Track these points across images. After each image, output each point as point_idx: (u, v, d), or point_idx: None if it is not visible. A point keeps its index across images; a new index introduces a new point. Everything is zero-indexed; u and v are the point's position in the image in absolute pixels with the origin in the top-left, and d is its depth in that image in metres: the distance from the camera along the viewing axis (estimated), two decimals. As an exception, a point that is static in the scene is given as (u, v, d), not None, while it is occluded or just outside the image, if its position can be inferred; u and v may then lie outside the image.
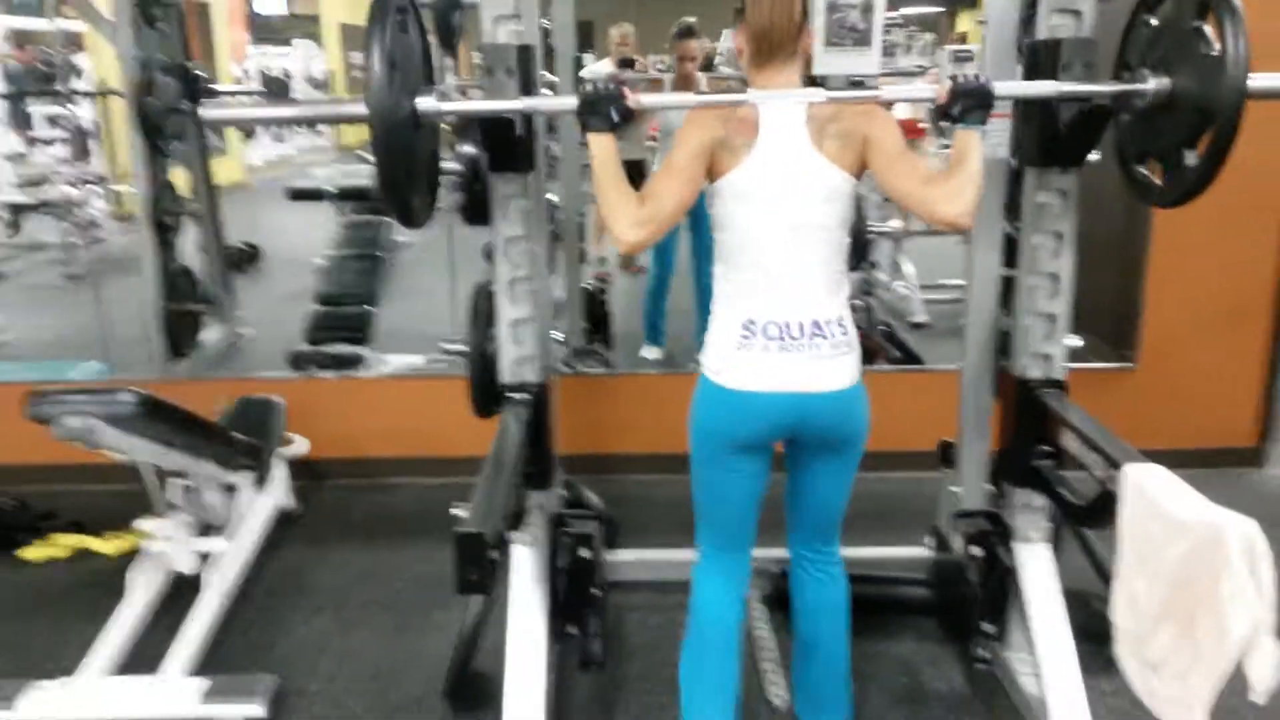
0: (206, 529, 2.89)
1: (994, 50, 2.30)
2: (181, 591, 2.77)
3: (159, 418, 2.43)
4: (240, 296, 5.05)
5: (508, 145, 2.04)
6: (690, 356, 4.82)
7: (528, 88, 2.05)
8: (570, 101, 1.79)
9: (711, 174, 1.81)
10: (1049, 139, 2.07)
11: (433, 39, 3.21)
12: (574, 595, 2.37)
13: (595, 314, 4.49)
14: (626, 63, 5.88)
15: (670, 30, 4.74)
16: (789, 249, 1.80)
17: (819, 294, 1.82)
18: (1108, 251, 3.70)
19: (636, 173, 5.64)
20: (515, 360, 2.24)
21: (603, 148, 1.77)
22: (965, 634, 2.44)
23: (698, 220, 4.48)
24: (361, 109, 1.74)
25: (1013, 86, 1.94)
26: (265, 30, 12.35)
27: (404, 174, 1.84)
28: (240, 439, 2.93)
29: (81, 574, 3.11)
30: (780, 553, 2.69)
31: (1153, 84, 1.86)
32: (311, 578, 3.06)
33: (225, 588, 2.79)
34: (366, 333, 4.32)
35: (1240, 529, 1.48)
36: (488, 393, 2.48)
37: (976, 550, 2.33)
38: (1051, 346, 2.20)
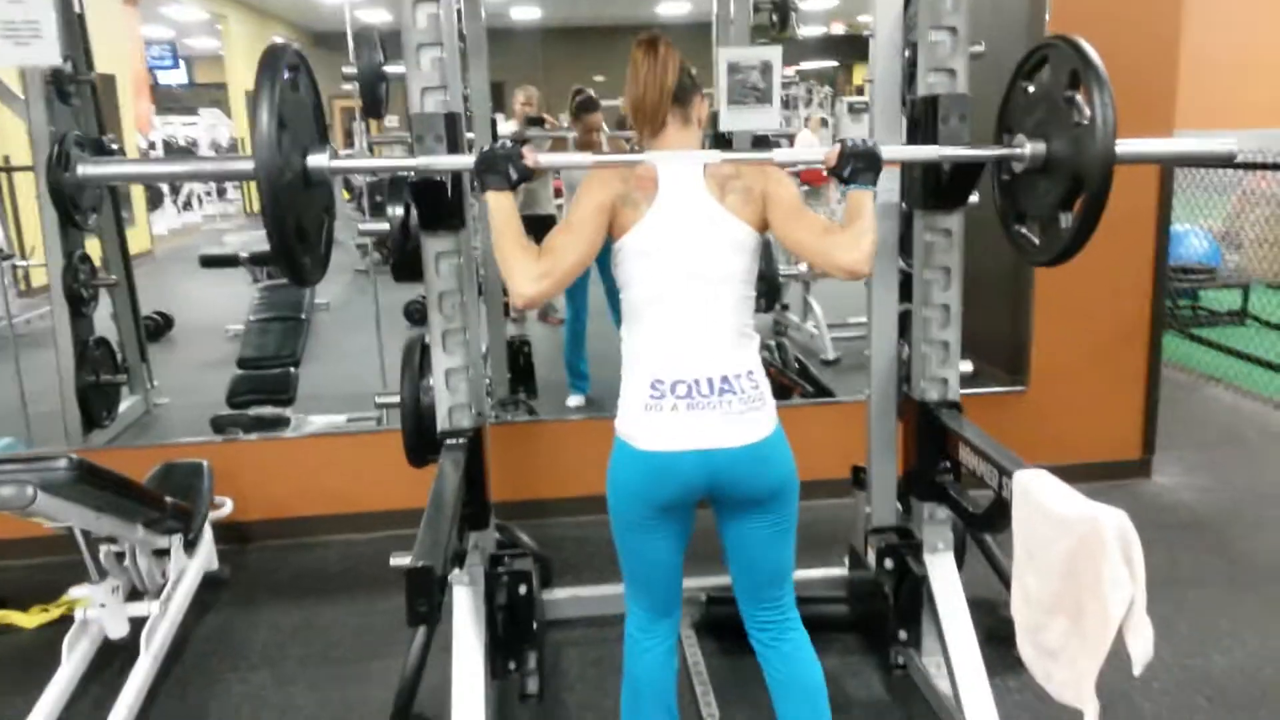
0: (135, 595, 2.89)
1: (882, 105, 2.51)
2: (108, 659, 2.77)
3: (93, 482, 2.45)
4: (154, 366, 5.02)
5: (439, 204, 2.15)
6: (611, 401, 4.99)
7: (455, 151, 2.17)
8: (467, 160, 1.86)
9: (614, 232, 1.82)
10: (932, 185, 2.28)
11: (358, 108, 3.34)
12: (513, 632, 2.46)
13: (518, 365, 4.61)
14: (535, 121, 6.09)
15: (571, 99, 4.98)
16: (695, 304, 1.80)
17: (727, 349, 1.82)
18: (998, 285, 3.99)
19: (545, 228, 5.86)
20: (451, 408, 2.34)
21: (501, 205, 1.79)
22: (883, 644, 2.60)
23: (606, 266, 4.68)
24: (249, 165, 1.74)
25: (899, 151, 2.07)
26: (170, 100, 12.26)
27: (294, 232, 1.83)
28: (171, 502, 2.94)
29: (2, 648, 3.06)
30: (709, 580, 2.83)
31: (1029, 149, 2.01)
32: (244, 637, 3.06)
33: (159, 651, 2.79)
34: (289, 394, 4.35)
35: (1114, 520, 1.66)
36: (422, 441, 2.56)
37: (889, 563, 2.50)
38: (946, 371, 2.40)
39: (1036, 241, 2.11)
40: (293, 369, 4.43)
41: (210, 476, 3.33)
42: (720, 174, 1.82)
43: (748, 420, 1.81)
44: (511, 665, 2.47)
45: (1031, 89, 2.08)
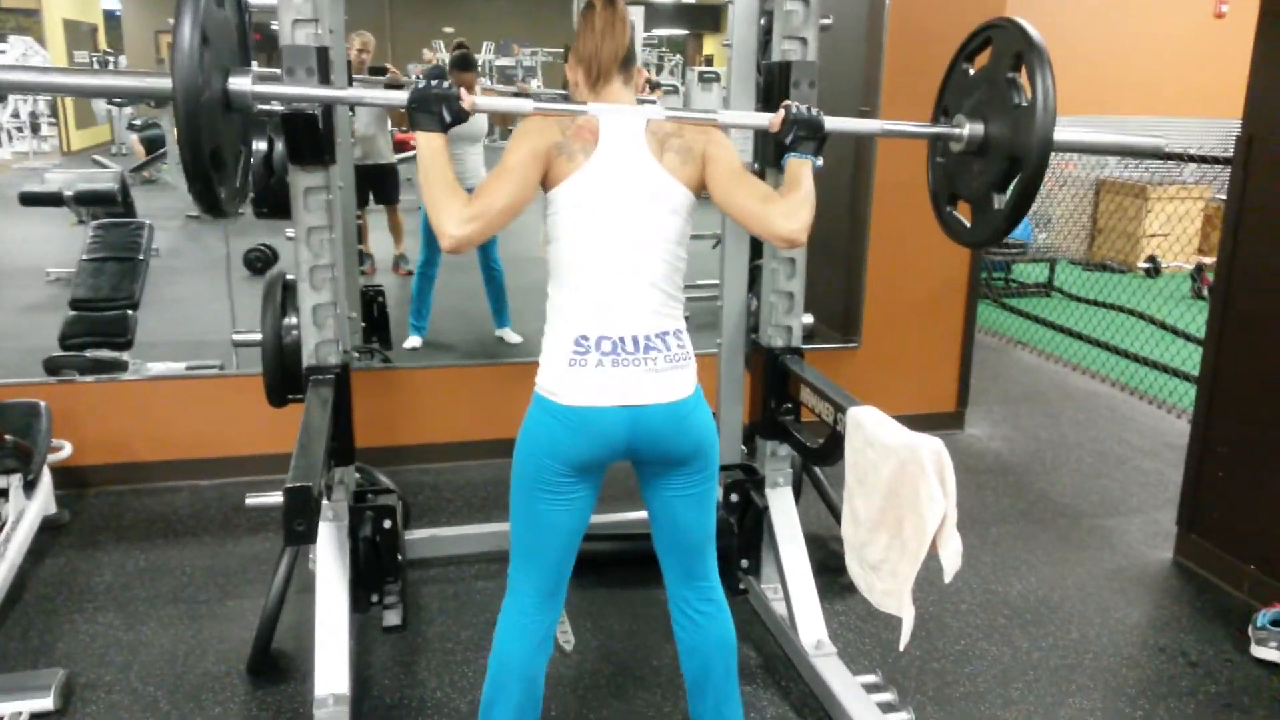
0: (-31, 536, 2.78)
1: (739, 70, 2.67)
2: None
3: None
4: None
5: (311, 137, 2.13)
6: (463, 350, 5.07)
7: (325, 85, 2.17)
8: (400, 96, 1.75)
9: (547, 182, 1.78)
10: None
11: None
12: (376, 566, 2.52)
13: (371, 315, 4.59)
14: (377, 71, 5.94)
15: (439, 46, 4.95)
16: (625, 262, 1.77)
17: (654, 307, 1.79)
18: (835, 253, 4.27)
19: (383, 178, 5.82)
20: (318, 344, 2.36)
21: (432, 147, 1.73)
22: (728, 572, 2.80)
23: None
24: (166, 83, 1.63)
25: (840, 122, 1.98)
26: (-30, 27, 11.26)
27: (210, 159, 1.73)
28: (9, 440, 2.83)
29: None
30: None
31: (968, 129, 2.02)
32: (88, 580, 2.99)
33: (-1, 590, 2.71)
34: (127, 336, 4.18)
35: (931, 446, 1.88)
36: (283, 380, 2.57)
37: (734, 497, 2.70)
38: (791, 320, 2.60)
39: (968, 224, 2.16)
40: (130, 311, 4.26)
41: (48, 417, 3.22)
42: (661, 131, 1.79)
43: (671, 378, 1.80)
44: (374, 598, 2.53)
45: (971, 70, 2.10)
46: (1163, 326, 5.83)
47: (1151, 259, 7.81)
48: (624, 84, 1.84)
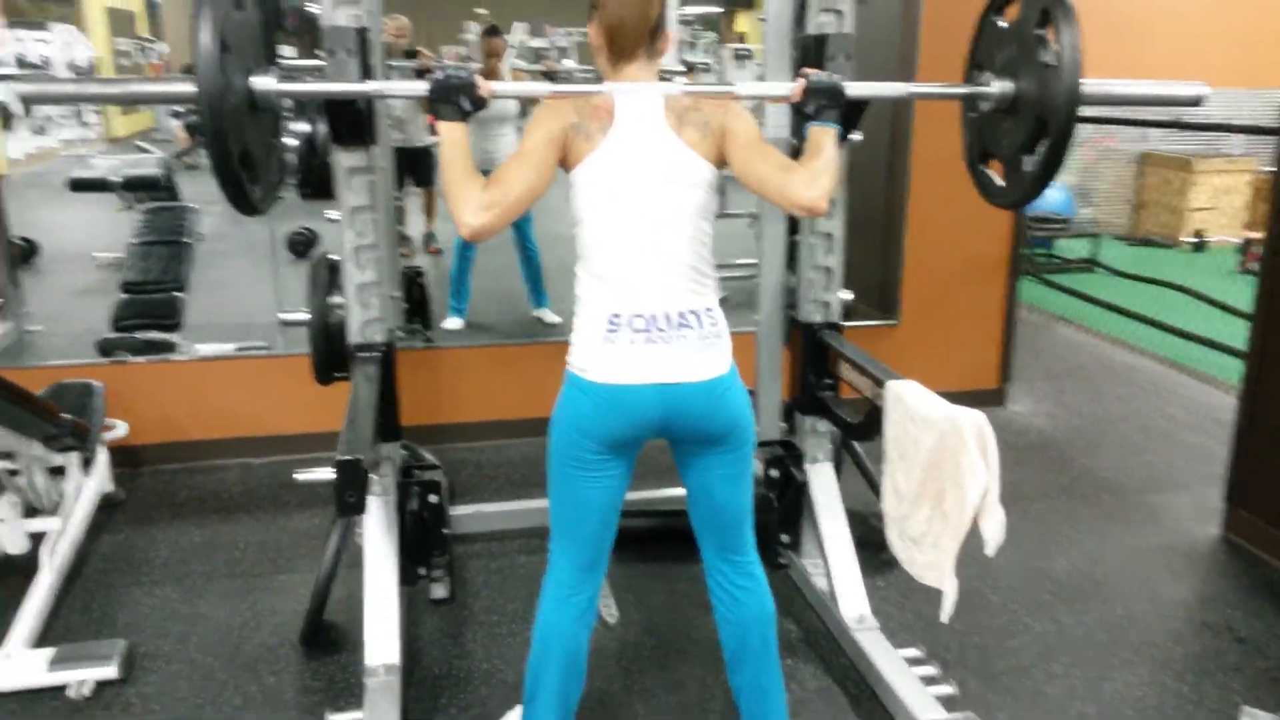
0: (33, 514, 2.87)
1: (773, 44, 2.67)
2: (4, 576, 2.79)
3: (-7, 393, 2.43)
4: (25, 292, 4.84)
5: (352, 120, 2.16)
6: (502, 330, 5.13)
7: (366, 68, 2.21)
8: (420, 87, 1.77)
9: (567, 163, 1.78)
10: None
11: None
12: (423, 539, 2.57)
13: (412, 295, 4.65)
14: (410, 54, 6.00)
15: (472, 29, 5.01)
16: (652, 237, 1.77)
17: (685, 284, 1.80)
18: (873, 229, 4.25)
19: (420, 161, 5.86)
20: (363, 323, 2.41)
21: (452, 136, 1.73)
22: (768, 548, 2.82)
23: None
24: (189, 88, 1.64)
25: (864, 87, 1.96)
26: (14, 14, 11.45)
27: (238, 159, 1.75)
28: (67, 419, 2.92)
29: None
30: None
31: (996, 87, 1.98)
32: (146, 554, 3.08)
33: (61, 564, 2.80)
34: (177, 319, 4.27)
35: (972, 418, 1.89)
36: (329, 359, 2.62)
37: (774, 472, 2.72)
38: (829, 295, 2.61)
39: (1000, 183, 2.13)
40: (179, 294, 4.35)
41: (103, 397, 3.31)
42: (679, 106, 1.79)
43: (705, 356, 1.80)
44: (421, 571, 2.58)
45: (1002, 24, 2.06)
46: (1208, 301, 5.73)
47: (1197, 233, 7.67)
48: (648, 58, 1.82)
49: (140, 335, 4.11)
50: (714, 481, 1.92)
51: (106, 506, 3.35)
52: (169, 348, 4.14)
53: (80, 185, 6.69)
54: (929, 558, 2.05)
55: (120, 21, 11.52)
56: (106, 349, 3.96)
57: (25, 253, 6.25)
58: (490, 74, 4.90)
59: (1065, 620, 2.75)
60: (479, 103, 1.76)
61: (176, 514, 3.38)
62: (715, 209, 1.86)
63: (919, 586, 2.02)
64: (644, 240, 1.78)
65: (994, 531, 1.88)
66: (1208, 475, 3.66)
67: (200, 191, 7.61)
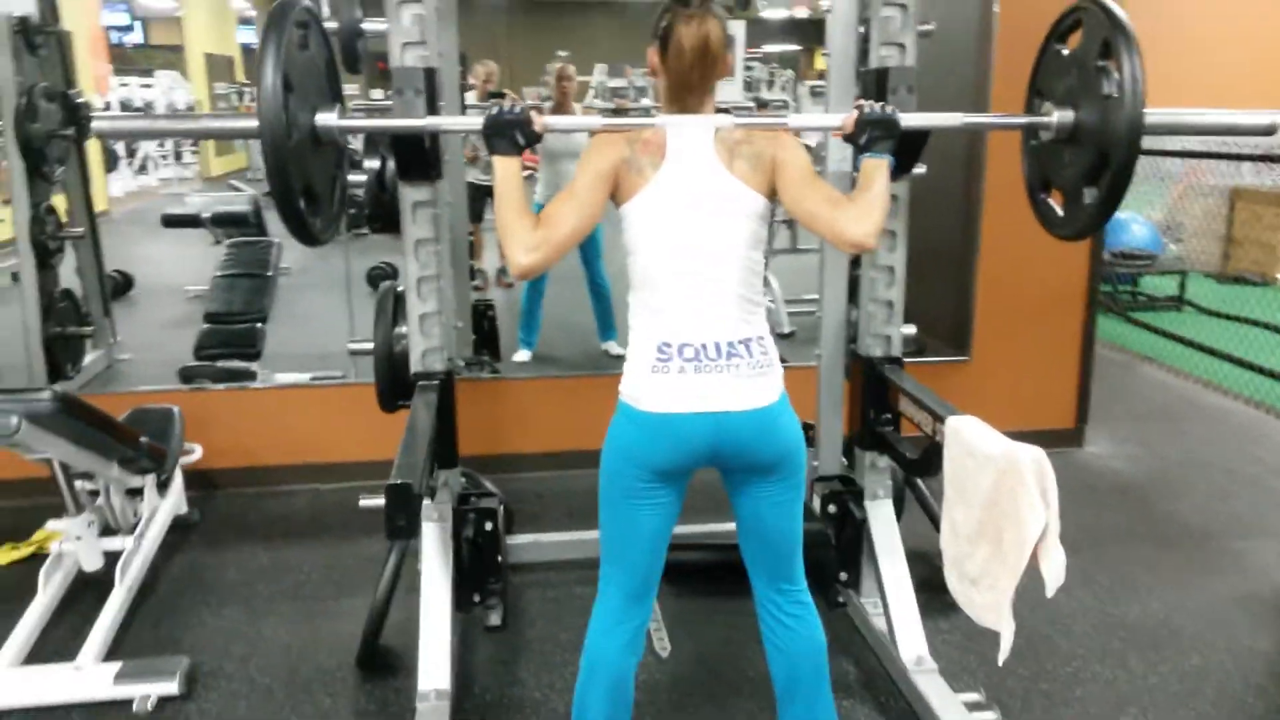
0: (108, 533, 2.99)
1: (837, 78, 2.65)
2: (82, 592, 2.88)
3: (74, 415, 2.54)
4: (115, 324, 5.06)
5: (417, 156, 2.23)
6: (569, 362, 5.16)
7: (433, 105, 2.27)
8: (475, 122, 1.82)
9: (618, 197, 1.80)
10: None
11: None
12: (478, 566, 2.59)
13: (482, 329, 4.73)
14: (496, 95, 6.20)
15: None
16: (701, 269, 1.78)
17: (735, 314, 1.80)
18: (944, 261, 4.18)
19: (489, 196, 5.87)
20: (425, 351, 2.46)
21: (507, 170, 1.77)
22: (826, 585, 2.77)
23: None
24: (252, 124, 1.70)
25: (918, 118, 1.96)
26: (124, 61, 12.07)
27: (300, 192, 1.80)
28: (145, 442, 3.03)
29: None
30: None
31: (1057, 117, 1.96)
32: (215, 575, 3.17)
33: (133, 583, 2.89)
34: (256, 348, 4.42)
35: (1031, 455, 1.83)
36: (394, 387, 2.68)
37: (832, 508, 2.67)
38: (890, 329, 2.57)
39: (1060, 213, 2.09)
40: (260, 324, 4.50)
41: (181, 422, 3.42)
42: (730, 139, 1.80)
43: (755, 385, 1.79)
44: (476, 598, 2.60)
45: (1065, 51, 2.03)
46: (1305, 341, 5.48)
47: (1294, 270, 7.36)
48: (707, 90, 1.83)
49: (221, 364, 4.26)
50: (765, 510, 1.90)
51: (181, 527, 3.45)
52: (249, 376, 4.28)
53: (172, 221, 6.98)
54: (987, 598, 1.99)
55: (219, 67, 12.07)
56: (188, 376, 4.11)
57: (120, 286, 6.54)
58: (561, 97, 5.02)
59: (1137, 669, 2.63)
60: (533, 137, 1.80)
61: (246, 537, 3.47)
62: (765, 240, 1.86)
63: (982, 630, 1.97)
64: (695, 271, 1.79)
65: (1054, 572, 1.83)
66: (1300, 522, 3.49)
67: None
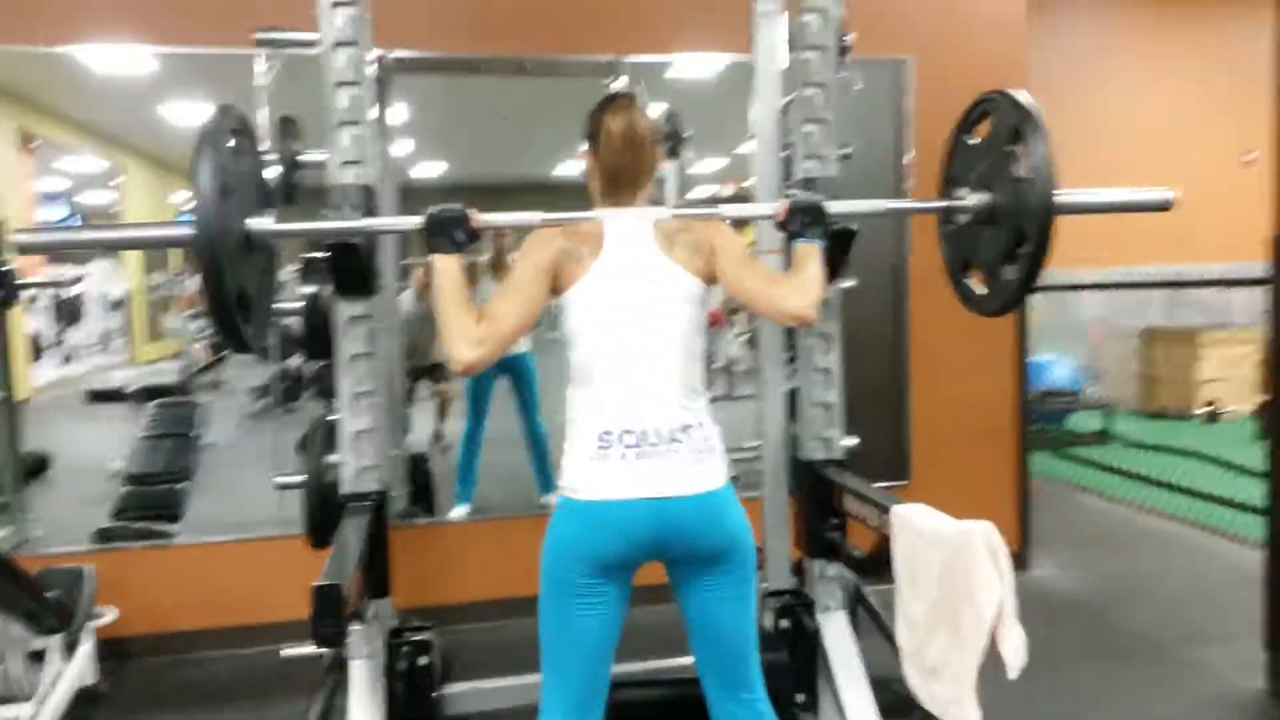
0: (6, 701, 2.74)
1: (763, 198, 2.73)
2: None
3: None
4: (31, 503, 4.81)
5: (354, 266, 2.21)
6: (508, 505, 5.00)
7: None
8: (414, 221, 1.84)
9: (559, 287, 1.80)
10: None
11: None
12: (412, 706, 2.41)
13: (418, 480, 4.60)
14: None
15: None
16: (643, 355, 1.77)
17: (676, 400, 1.78)
18: (877, 392, 4.24)
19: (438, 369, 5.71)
20: (357, 470, 2.37)
21: (447, 268, 1.76)
22: (782, 710, 2.63)
23: (520, 374, 4.81)
24: (187, 231, 1.69)
25: (846, 205, 2.04)
26: (59, 258, 11.95)
27: (235, 298, 1.77)
28: (52, 599, 2.83)
29: None
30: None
31: (973, 200, 2.05)
32: (124, 747, 2.90)
33: (31, 754, 2.63)
34: (178, 510, 4.23)
35: (982, 529, 1.81)
36: (325, 521, 2.56)
37: (784, 623, 2.57)
38: (830, 431, 2.57)
39: (982, 292, 2.16)
40: (182, 485, 4.33)
41: (93, 581, 3.22)
42: (667, 229, 1.83)
43: (698, 470, 1.76)
44: (411, 742, 2.41)
45: (971, 141, 2.14)
46: (1222, 464, 5.62)
47: (1209, 404, 7.63)
48: (639, 191, 1.89)
49: (140, 525, 4.06)
50: (714, 605, 1.83)
51: (89, 700, 3.18)
52: (166, 537, 4.07)
53: (98, 396, 6.80)
54: (949, 690, 1.91)
55: (155, 257, 12.07)
56: (104, 537, 3.89)
57: (35, 467, 6.27)
58: (498, 255, 5.10)
59: (1113, 781, 2.52)
60: (471, 235, 1.81)
61: (160, 706, 3.21)
62: (705, 324, 1.87)
63: None
64: (635, 356, 1.79)
65: (1014, 653, 1.76)
66: (1249, 627, 3.45)
67: (218, 407, 7.72)
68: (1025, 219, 1.92)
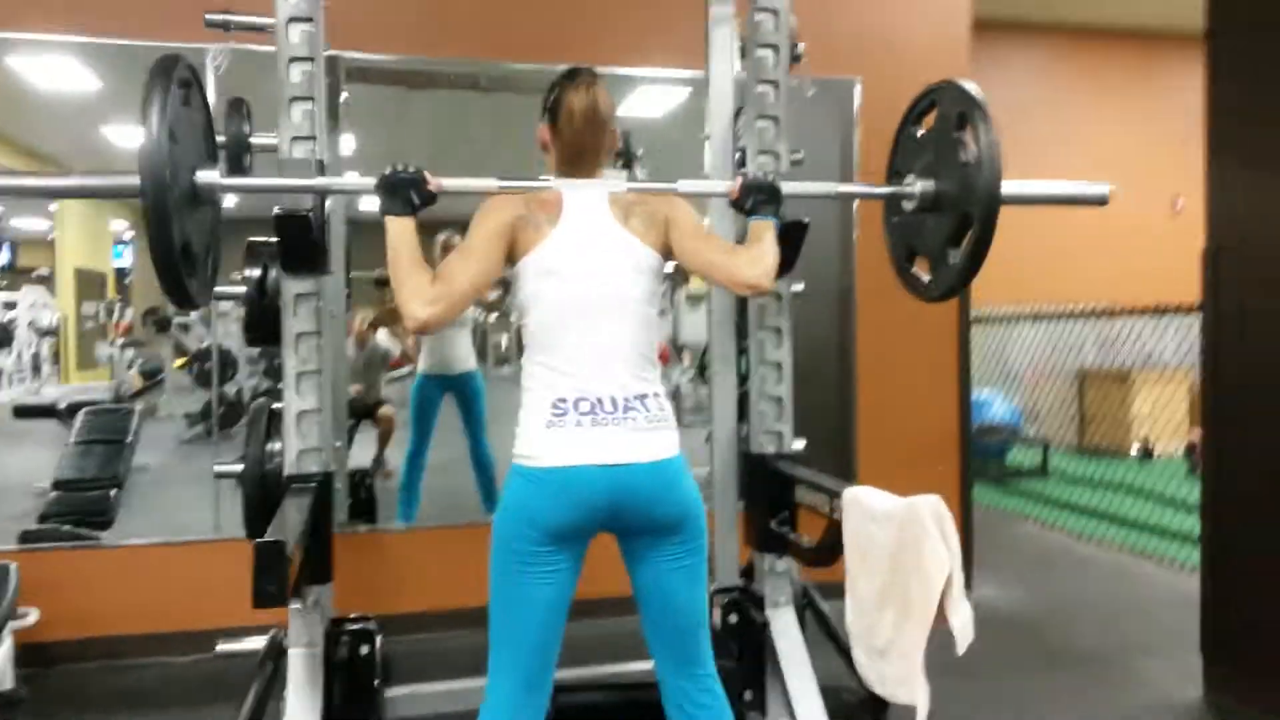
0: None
1: (716, 201, 2.78)
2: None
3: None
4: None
5: (302, 244, 2.18)
6: (451, 515, 4.91)
7: (320, 201, 2.26)
8: (368, 182, 1.81)
9: (514, 254, 1.79)
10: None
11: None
12: (353, 699, 2.34)
13: (359, 497, 4.51)
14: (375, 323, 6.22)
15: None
16: (598, 324, 1.77)
17: (631, 369, 1.78)
18: (825, 410, 4.28)
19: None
20: (300, 451, 2.32)
21: (401, 230, 1.74)
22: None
23: (467, 393, 4.75)
24: (134, 180, 1.64)
25: (797, 186, 2.06)
26: (-13, 278, 11.58)
27: (180, 251, 1.72)
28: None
29: None
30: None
31: (919, 186, 2.08)
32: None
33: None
34: (109, 516, 4.09)
35: (929, 502, 1.83)
36: (266, 511, 2.48)
37: (732, 618, 2.56)
38: (781, 425, 2.58)
39: (926, 279, 2.19)
40: (114, 492, 4.19)
41: (16, 578, 3.09)
42: (624, 201, 1.85)
43: (652, 438, 1.76)
44: (349, 734, 2.34)
45: (919, 133, 2.17)
46: (1157, 498, 5.74)
47: (1144, 441, 7.82)
48: (596, 166, 1.90)
49: (66, 529, 3.91)
50: (667, 578, 1.82)
51: (6, 705, 3.03)
52: (95, 540, 3.93)
53: (24, 412, 6.61)
54: (898, 669, 1.90)
55: (89, 285, 11.78)
56: (28, 539, 3.74)
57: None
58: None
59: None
60: (427, 197, 1.79)
61: (83, 710, 3.07)
62: (659, 296, 1.87)
63: None
64: (591, 326, 1.79)
65: (963, 628, 1.77)
66: (1186, 642, 3.51)
67: (152, 434, 7.50)
68: (971, 203, 1.95)
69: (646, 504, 1.75)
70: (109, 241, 13.13)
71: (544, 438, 1.74)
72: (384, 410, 6.39)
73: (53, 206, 11.94)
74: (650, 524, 1.77)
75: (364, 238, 3.56)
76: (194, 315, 10.32)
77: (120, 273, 12.28)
